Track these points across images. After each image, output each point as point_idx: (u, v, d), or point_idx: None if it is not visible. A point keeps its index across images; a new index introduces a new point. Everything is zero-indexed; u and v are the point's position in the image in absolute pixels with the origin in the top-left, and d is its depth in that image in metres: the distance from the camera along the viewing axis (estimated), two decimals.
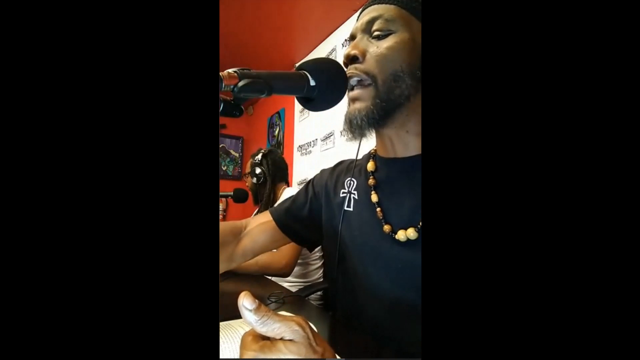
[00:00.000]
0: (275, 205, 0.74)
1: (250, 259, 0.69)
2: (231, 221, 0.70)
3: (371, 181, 0.56)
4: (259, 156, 1.52)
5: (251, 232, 0.68)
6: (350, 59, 0.50)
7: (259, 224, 0.69)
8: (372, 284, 0.52)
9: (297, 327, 0.28)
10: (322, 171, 0.71)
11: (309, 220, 0.67)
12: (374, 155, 0.60)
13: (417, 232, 0.48)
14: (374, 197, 0.54)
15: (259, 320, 0.28)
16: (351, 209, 0.58)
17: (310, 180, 0.71)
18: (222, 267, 0.65)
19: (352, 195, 0.59)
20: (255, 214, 1.65)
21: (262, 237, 0.68)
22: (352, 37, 0.53)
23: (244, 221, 0.71)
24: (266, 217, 0.70)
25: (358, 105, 0.49)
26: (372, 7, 0.51)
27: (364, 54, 0.49)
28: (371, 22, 0.50)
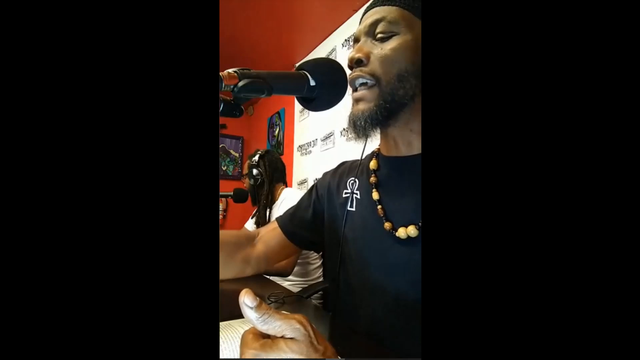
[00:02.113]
0: (282, 213, 0.75)
1: (265, 267, 0.69)
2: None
3: (372, 179, 0.56)
4: (256, 157, 1.53)
5: (263, 237, 0.69)
6: (355, 62, 0.50)
7: (268, 231, 0.70)
8: (373, 282, 0.52)
9: (298, 325, 0.28)
10: (325, 174, 0.72)
11: (312, 222, 0.67)
12: (377, 154, 0.60)
13: (417, 229, 0.48)
14: (375, 195, 0.55)
15: (260, 317, 0.28)
16: (354, 209, 0.59)
17: (313, 185, 0.72)
18: (237, 270, 0.65)
19: (354, 195, 0.59)
20: (253, 215, 1.65)
21: (273, 243, 0.68)
22: (356, 40, 0.53)
23: (256, 230, 0.72)
24: (274, 224, 0.71)
25: (362, 106, 0.50)
26: (375, 9, 0.51)
27: (368, 56, 0.49)
28: (374, 24, 0.50)
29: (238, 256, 0.64)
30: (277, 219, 0.72)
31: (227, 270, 0.63)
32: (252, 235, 0.69)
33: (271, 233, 0.69)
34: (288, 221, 0.69)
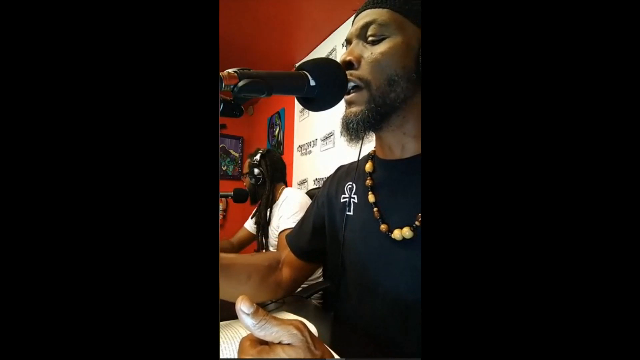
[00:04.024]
0: (289, 228, 0.74)
1: (294, 289, 0.69)
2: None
3: (368, 182, 0.57)
4: (257, 157, 1.53)
5: (286, 261, 0.69)
6: (346, 65, 0.50)
7: (287, 254, 0.70)
8: (371, 284, 0.52)
9: (295, 331, 0.28)
10: (324, 182, 0.72)
11: (314, 235, 0.68)
12: (373, 157, 0.61)
13: (412, 231, 0.48)
14: (371, 198, 0.55)
15: (256, 324, 0.28)
16: (351, 213, 0.59)
17: (316, 195, 0.72)
18: (271, 293, 0.63)
19: (352, 200, 0.60)
20: (253, 215, 1.65)
21: (294, 265, 0.68)
22: (348, 42, 0.53)
23: (279, 252, 0.72)
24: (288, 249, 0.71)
25: (354, 109, 0.50)
26: (366, 11, 0.51)
27: (359, 60, 0.49)
28: (365, 27, 0.50)
29: (271, 279, 0.62)
30: (287, 241, 0.72)
31: (261, 293, 0.61)
32: (278, 257, 0.69)
33: (290, 256, 0.69)
34: (295, 242, 0.70)
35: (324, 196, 0.68)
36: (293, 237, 0.72)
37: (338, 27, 2.13)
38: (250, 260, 0.62)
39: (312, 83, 0.41)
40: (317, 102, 0.43)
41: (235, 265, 0.57)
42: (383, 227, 0.51)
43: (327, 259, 0.66)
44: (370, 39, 0.50)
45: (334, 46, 2.17)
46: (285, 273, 0.66)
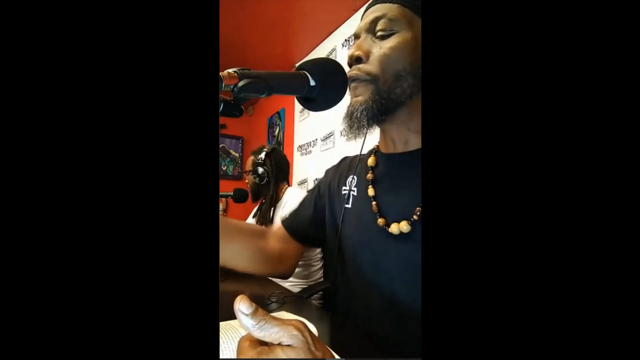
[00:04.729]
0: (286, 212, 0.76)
1: (278, 265, 0.69)
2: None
3: (369, 175, 0.57)
4: (262, 155, 1.51)
5: (273, 234, 0.69)
6: (355, 60, 0.50)
7: (275, 230, 0.70)
8: (368, 279, 0.52)
9: (295, 332, 0.27)
10: (327, 171, 0.73)
11: (314, 220, 0.68)
12: (376, 151, 0.61)
13: (409, 225, 0.48)
14: (371, 191, 0.55)
15: (256, 325, 0.27)
16: (350, 206, 0.59)
17: (317, 183, 0.73)
18: (253, 260, 0.64)
19: (351, 192, 0.60)
20: (254, 212, 1.65)
21: (282, 241, 0.69)
22: (357, 37, 0.53)
23: (264, 227, 0.73)
24: (279, 224, 0.72)
25: (359, 98, 0.50)
26: (376, 6, 0.52)
27: (367, 54, 0.50)
28: (375, 21, 0.50)
29: (254, 246, 0.63)
30: (281, 219, 0.73)
31: (245, 260, 0.62)
32: (262, 229, 0.70)
33: (278, 232, 0.70)
34: (291, 220, 0.70)
35: (326, 185, 0.68)
36: (289, 215, 0.73)
37: (338, 27, 2.13)
38: (234, 222, 0.63)
39: (312, 83, 0.41)
40: (317, 102, 0.43)
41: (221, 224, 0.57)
42: (380, 221, 0.51)
43: (325, 252, 0.67)
44: (379, 33, 0.50)
45: (334, 46, 2.17)
46: (272, 245, 0.67)
